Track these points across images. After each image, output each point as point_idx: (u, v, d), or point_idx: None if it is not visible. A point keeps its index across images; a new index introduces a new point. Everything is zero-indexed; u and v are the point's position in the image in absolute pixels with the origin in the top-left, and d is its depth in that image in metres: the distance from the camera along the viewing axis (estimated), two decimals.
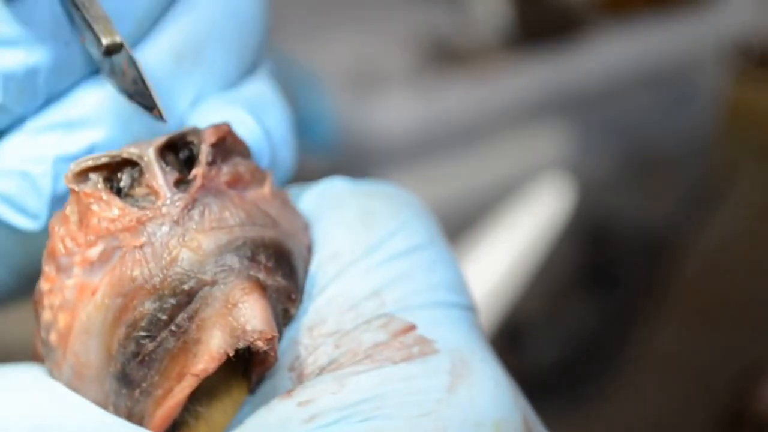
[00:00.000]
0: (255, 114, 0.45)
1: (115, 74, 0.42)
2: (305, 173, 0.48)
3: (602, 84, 1.63)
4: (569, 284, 1.54)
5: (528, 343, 1.46)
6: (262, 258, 0.40)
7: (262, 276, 0.40)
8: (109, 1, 0.42)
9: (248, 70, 0.48)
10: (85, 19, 0.41)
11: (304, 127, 1.50)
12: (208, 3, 0.45)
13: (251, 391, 0.41)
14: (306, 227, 0.43)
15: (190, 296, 0.39)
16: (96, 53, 0.42)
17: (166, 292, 0.39)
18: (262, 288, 0.40)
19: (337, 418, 0.38)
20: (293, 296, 0.41)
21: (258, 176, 0.42)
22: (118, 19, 0.42)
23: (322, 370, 0.40)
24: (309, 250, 0.43)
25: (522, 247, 1.27)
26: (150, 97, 0.41)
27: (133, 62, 0.41)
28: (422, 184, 1.54)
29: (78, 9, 0.41)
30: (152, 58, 0.44)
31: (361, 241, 0.42)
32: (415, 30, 1.66)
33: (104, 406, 0.40)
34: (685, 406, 1.38)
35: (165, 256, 0.39)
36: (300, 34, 1.60)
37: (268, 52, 0.50)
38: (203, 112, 0.45)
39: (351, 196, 0.44)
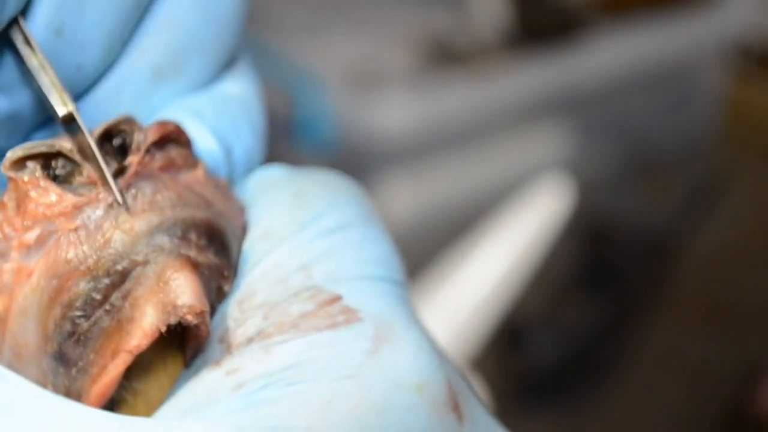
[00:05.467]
0: (218, 132, 0.46)
1: (74, 137, 0.43)
2: None
3: (602, 84, 1.63)
4: (569, 284, 1.54)
5: (528, 343, 1.46)
6: (193, 237, 0.41)
7: (193, 254, 0.41)
8: (74, 31, 0.42)
9: (226, 66, 0.48)
10: (40, 87, 0.42)
11: (304, 127, 1.51)
12: (186, 12, 0.45)
13: (187, 365, 0.42)
14: (242, 210, 0.45)
15: (123, 276, 0.40)
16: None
17: (100, 273, 0.40)
18: (193, 265, 0.41)
19: (263, 384, 0.40)
20: (226, 273, 0.42)
21: (191, 161, 0.44)
22: (84, 47, 0.43)
23: (250, 341, 0.41)
24: (244, 230, 0.44)
25: (522, 247, 1.26)
26: (100, 170, 0.42)
27: (85, 137, 0.42)
28: (422, 184, 1.55)
29: (34, 77, 0.42)
30: (131, 76, 0.45)
31: (292, 220, 0.43)
32: (415, 30, 1.67)
33: (43, 385, 0.41)
34: (684, 406, 1.38)
35: (99, 238, 0.40)
36: (300, 34, 1.60)
37: (247, 41, 0.50)
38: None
39: (286, 180, 0.46)
